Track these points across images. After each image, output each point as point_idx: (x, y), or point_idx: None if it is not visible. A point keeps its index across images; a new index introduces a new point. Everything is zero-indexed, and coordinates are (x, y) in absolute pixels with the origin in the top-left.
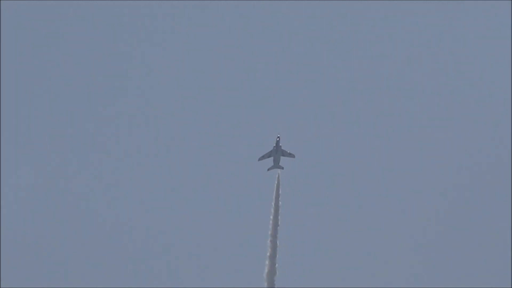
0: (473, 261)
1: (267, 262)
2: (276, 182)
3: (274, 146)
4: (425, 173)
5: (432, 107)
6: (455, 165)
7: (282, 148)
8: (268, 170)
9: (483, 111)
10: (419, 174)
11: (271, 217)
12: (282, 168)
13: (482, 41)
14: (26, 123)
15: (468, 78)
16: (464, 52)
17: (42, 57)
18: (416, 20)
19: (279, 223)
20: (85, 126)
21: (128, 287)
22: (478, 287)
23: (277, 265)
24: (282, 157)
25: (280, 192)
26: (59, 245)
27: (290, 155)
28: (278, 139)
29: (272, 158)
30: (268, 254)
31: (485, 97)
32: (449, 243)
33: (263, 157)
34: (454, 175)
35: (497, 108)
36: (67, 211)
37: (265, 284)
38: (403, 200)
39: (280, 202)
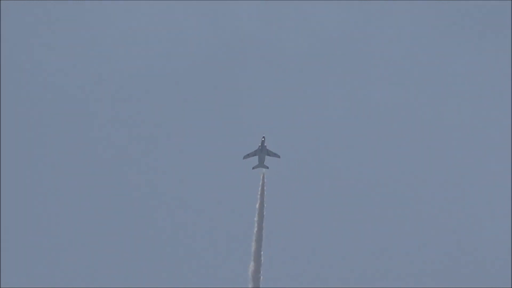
0: (473, 261)
1: (251, 261)
2: (261, 182)
3: (259, 146)
4: (417, 171)
5: (425, 109)
6: (450, 163)
7: (267, 148)
8: (253, 168)
9: (483, 111)
10: (408, 172)
11: (256, 215)
12: (267, 167)
13: (482, 41)
14: (26, 123)
15: (467, 78)
16: (464, 52)
17: (42, 57)
18: (414, 20)
19: (264, 222)
20: (82, 126)
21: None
22: (478, 287)
23: (262, 262)
24: (267, 157)
25: (265, 191)
26: (59, 245)
27: (275, 155)
28: (263, 139)
29: (257, 157)
30: (252, 251)
31: (484, 96)
32: (448, 243)
33: (248, 156)
34: (449, 172)
35: (497, 108)
36: (66, 210)
37: (250, 284)
38: (392, 198)
39: (264, 203)
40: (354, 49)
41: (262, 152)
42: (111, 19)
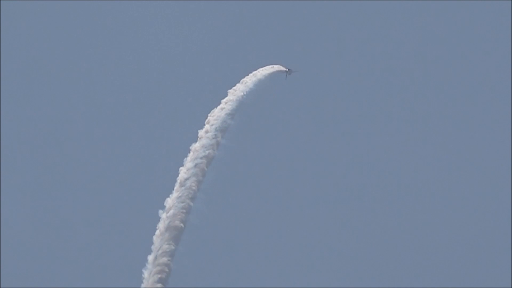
0: (473, 261)
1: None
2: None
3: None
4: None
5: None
6: (456, 160)
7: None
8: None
9: (482, 112)
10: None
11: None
12: (290, 73)
13: (482, 42)
14: (26, 123)
15: (467, 79)
16: (463, 53)
17: (42, 58)
18: (415, 19)
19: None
20: (81, 124)
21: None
22: (478, 287)
23: None
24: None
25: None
26: (59, 245)
27: (297, 71)
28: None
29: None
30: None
31: (484, 97)
32: (447, 242)
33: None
34: (449, 171)
35: (496, 109)
36: (66, 210)
37: None
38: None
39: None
40: None
41: (289, 71)
42: (113, 19)
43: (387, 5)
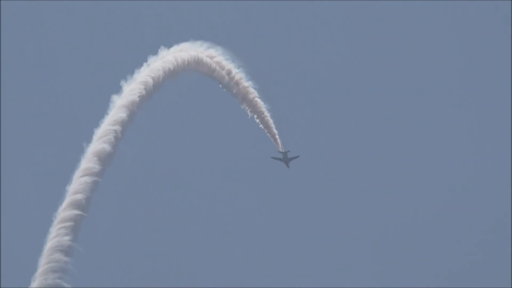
0: (473, 261)
1: None
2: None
3: (282, 153)
4: (426, 167)
5: (429, 103)
6: (455, 161)
7: (289, 156)
8: (271, 157)
9: (481, 112)
10: (415, 168)
11: None
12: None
13: (482, 42)
14: (26, 124)
15: (467, 78)
16: (462, 53)
17: (42, 57)
18: (415, 20)
19: None
20: (82, 125)
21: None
22: (478, 287)
23: None
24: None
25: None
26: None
27: (296, 158)
28: (287, 152)
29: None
30: None
31: (483, 97)
32: (448, 241)
33: (274, 158)
34: (448, 171)
35: (496, 110)
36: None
37: None
38: (398, 195)
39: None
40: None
41: (285, 158)
42: (113, 18)
43: (385, 6)
